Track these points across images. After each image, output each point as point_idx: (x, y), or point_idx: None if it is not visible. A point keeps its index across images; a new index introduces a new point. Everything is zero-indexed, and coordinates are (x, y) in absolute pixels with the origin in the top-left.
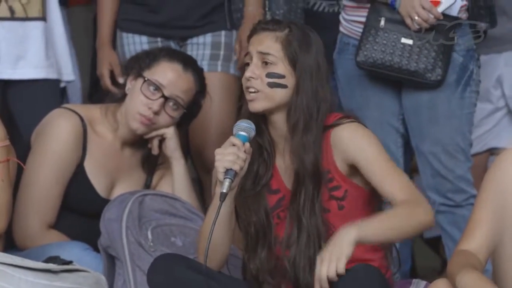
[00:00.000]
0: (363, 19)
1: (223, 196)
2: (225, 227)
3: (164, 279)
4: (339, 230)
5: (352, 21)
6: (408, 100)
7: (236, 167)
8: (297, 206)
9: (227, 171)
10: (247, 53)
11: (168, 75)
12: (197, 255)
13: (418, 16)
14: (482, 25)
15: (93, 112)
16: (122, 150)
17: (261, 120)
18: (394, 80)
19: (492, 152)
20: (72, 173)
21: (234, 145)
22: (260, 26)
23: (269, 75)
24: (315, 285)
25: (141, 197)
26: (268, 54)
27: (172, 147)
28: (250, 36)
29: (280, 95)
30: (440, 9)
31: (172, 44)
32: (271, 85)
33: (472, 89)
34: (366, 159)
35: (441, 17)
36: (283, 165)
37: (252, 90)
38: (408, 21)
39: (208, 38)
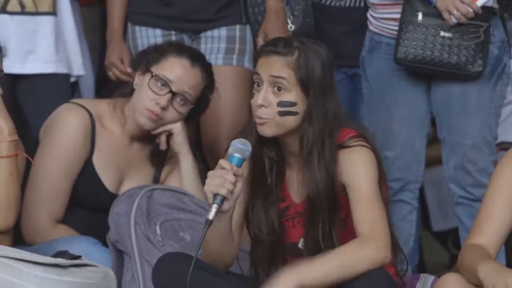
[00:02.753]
0: (396, 16)
1: (209, 223)
2: (225, 242)
3: (168, 278)
4: (278, 276)
5: (383, 19)
6: (439, 93)
7: (223, 192)
8: (316, 234)
9: (215, 196)
10: (256, 73)
11: (176, 70)
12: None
13: (457, 10)
14: (505, 15)
15: (101, 107)
16: (131, 145)
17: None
18: (431, 73)
19: (502, 146)
20: (80, 168)
21: (223, 168)
22: (270, 49)
23: (280, 104)
24: None
25: (150, 192)
26: (281, 78)
27: (180, 143)
28: (258, 56)
29: (290, 122)
30: (479, 2)
31: (185, 38)
32: (282, 114)
33: (504, 81)
34: (354, 184)
35: (480, 11)
36: (291, 177)
37: (264, 117)
38: (446, 15)
39: (222, 31)
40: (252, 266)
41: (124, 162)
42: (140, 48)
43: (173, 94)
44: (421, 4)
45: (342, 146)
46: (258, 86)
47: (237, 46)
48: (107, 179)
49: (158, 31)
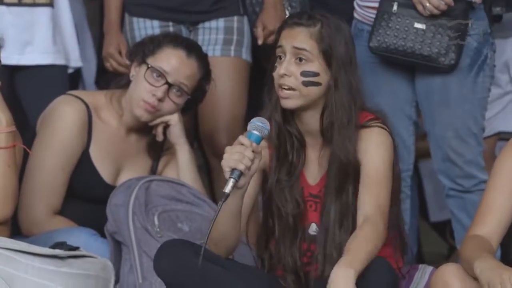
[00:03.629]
0: (376, 5)
1: (225, 197)
2: (233, 221)
3: (171, 265)
4: (335, 274)
5: (365, 7)
6: (421, 85)
7: (241, 167)
8: (346, 203)
9: (232, 170)
10: (279, 46)
11: (171, 61)
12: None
13: (429, 3)
14: (497, 9)
15: (98, 98)
16: (128, 136)
17: (291, 112)
18: (407, 65)
19: (501, 136)
20: (77, 160)
21: (242, 144)
22: (293, 21)
23: (304, 73)
24: None
25: (148, 183)
26: (304, 50)
27: (177, 134)
28: (281, 29)
29: (314, 93)
30: None
31: (183, 29)
32: (306, 84)
33: (486, 74)
34: (367, 162)
35: (452, 4)
36: (307, 159)
37: (286, 87)
38: (419, 7)
39: (220, 23)
40: (258, 255)
41: (121, 153)
42: (138, 40)
43: (169, 85)
44: None
45: (363, 126)
46: (280, 59)
47: (235, 37)
48: (104, 171)
49: (155, 23)
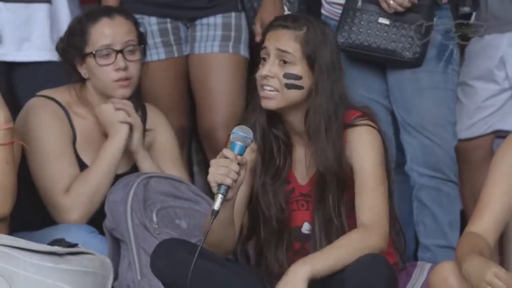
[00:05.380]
0: (343, 1)
1: (215, 214)
2: (226, 230)
3: (167, 264)
4: (291, 268)
5: (332, 3)
6: (392, 77)
7: (227, 182)
8: (327, 209)
9: (219, 185)
10: (264, 47)
11: (104, 33)
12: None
13: (393, 0)
14: (465, 9)
15: (65, 95)
16: None
17: (276, 114)
18: (375, 61)
19: (498, 134)
20: (73, 150)
21: (226, 157)
22: (279, 23)
23: (286, 75)
24: None
25: (146, 180)
26: (287, 52)
27: (137, 142)
28: (267, 30)
29: (295, 96)
30: None
31: (181, 25)
32: (289, 86)
33: (454, 67)
34: (359, 166)
35: (416, 1)
36: (296, 159)
37: (269, 88)
38: (384, 5)
39: (218, 19)
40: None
41: None
42: None
43: (120, 51)
44: None
45: (349, 125)
46: (264, 60)
47: (232, 34)
48: None
49: (153, 19)
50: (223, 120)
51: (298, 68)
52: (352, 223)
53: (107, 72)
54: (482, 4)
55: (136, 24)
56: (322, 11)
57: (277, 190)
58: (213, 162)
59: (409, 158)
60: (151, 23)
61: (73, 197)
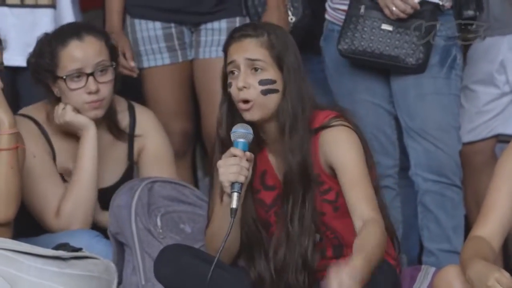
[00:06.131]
0: (346, 7)
1: (234, 212)
2: (234, 232)
3: (171, 270)
4: (339, 275)
5: (336, 9)
6: (396, 83)
7: (241, 179)
8: (285, 211)
9: (233, 184)
10: (231, 61)
11: (74, 56)
12: (206, 247)
13: (395, 7)
14: (469, 13)
15: (43, 111)
16: None
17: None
18: (378, 67)
19: (500, 138)
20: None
21: (235, 155)
22: (240, 33)
23: (261, 82)
24: None
25: (150, 184)
26: (257, 60)
27: (91, 146)
28: (228, 45)
29: (274, 101)
30: None
31: (185, 30)
32: (265, 92)
33: (457, 73)
34: (341, 164)
35: (418, 7)
36: (276, 163)
37: (248, 99)
38: (386, 11)
39: (223, 24)
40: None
41: None
42: (140, 42)
43: (91, 74)
44: None
45: (323, 127)
46: (233, 74)
47: None
48: None
49: (157, 24)
50: None
51: (271, 72)
52: (333, 223)
53: (78, 95)
54: (485, 6)
55: (107, 40)
56: (326, 16)
57: (244, 206)
58: (221, 163)
59: (413, 163)
60: (155, 28)
61: (64, 219)
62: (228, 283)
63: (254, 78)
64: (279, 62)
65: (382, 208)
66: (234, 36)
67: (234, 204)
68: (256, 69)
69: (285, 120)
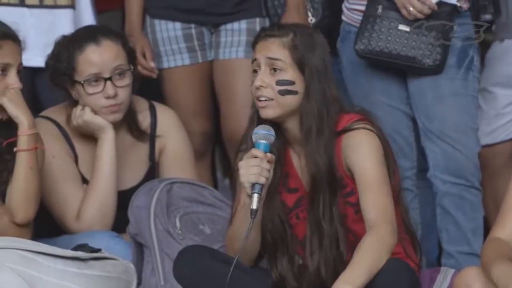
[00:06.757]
0: (364, 8)
1: (254, 213)
2: (257, 231)
3: (190, 271)
4: None
5: (353, 10)
6: (413, 85)
7: (262, 180)
8: (316, 211)
9: (253, 185)
10: (254, 59)
11: (92, 61)
12: (226, 249)
13: (413, 7)
14: (487, 17)
15: (63, 114)
16: None
17: (275, 124)
18: (395, 67)
19: None
20: (76, 167)
21: (256, 156)
22: (265, 33)
23: (279, 82)
24: None
25: (169, 185)
26: (277, 59)
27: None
28: (255, 43)
29: (291, 101)
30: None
31: (205, 30)
32: (283, 93)
33: (475, 74)
34: (359, 168)
35: (436, 8)
36: (300, 165)
37: (263, 98)
38: (404, 12)
39: (243, 24)
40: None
41: None
42: (160, 42)
43: (109, 79)
44: None
45: (346, 130)
46: (256, 72)
47: None
48: None
49: (178, 25)
50: (246, 125)
51: (290, 73)
52: (354, 226)
53: (96, 99)
54: (503, 9)
55: (125, 43)
56: (343, 17)
57: (272, 204)
58: (242, 163)
59: (432, 165)
60: (175, 29)
61: (84, 221)
62: (247, 284)
63: (272, 77)
64: (301, 64)
65: (404, 211)
66: (260, 35)
67: (254, 205)
68: (275, 69)
69: (310, 122)
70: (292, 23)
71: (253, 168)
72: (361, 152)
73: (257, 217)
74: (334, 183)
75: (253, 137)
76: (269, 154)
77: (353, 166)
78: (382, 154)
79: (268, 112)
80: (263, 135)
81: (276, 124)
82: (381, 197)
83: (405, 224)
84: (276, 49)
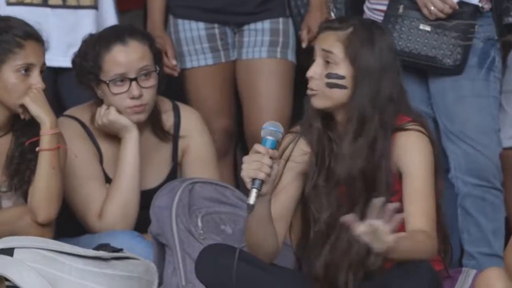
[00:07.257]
0: (385, 7)
1: (250, 208)
2: (265, 228)
3: (212, 269)
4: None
5: (374, 10)
6: (434, 85)
7: (261, 176)
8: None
9: (253, 180)
10: (314, 49)
11: (118, 61)
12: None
13: (434, 6)
14: (510, 19)
15: (88, 113)
16: None
17: (329, 116)
18: (416, 67)
19: None
20: (100, 166)
21: (258, 152)
22: (326, 25)
23: (329, 75)
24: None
25: (191, 185)
26: (330, 52)
27: (133, 147)
28: (318, 33)
29: (338, 95)
30: None
31: (228, 30)
32: (330, 86)
33: (496, 75)
34: (409, 172)
35: (457, 7)
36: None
37: (311, 88)
38: (425, 11)
39: (266, 24)
40: (297, 258)
41: None
42: (184, 42)
43: (134, 79)
44: None
45: (399, 129)
46: (313, 62)
47: (280, 39)
48: None
49: (201, 24)
50: None
51: (341, 68)
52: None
53: (121, 99)
54: None
55: (151, 44)
56: (364, 17)
57: (330, 192)
58: (245, 158)
59: (453, 166)
60: (199, 28)
61: (107, 221)
62: (268, 283)
63: (324, 69)
64: (353, 60)
65: (441, 215)
66: (322, 26)
67: (251, 201)
68: (328, 62)
69: (351, 120)
70: (357, 17)
71: (254, 163)
72: (411, 154)
73: (264, 214)
74: (373, 185)
75: (262, 132)
76: (271, 150)
77: (401, 168)
78: (432, 157)
79: (316, 102)
80: (270, 131)
81: (330, 115)
82: (427, 203)
83: (440, 226)
84: (331, 42)
